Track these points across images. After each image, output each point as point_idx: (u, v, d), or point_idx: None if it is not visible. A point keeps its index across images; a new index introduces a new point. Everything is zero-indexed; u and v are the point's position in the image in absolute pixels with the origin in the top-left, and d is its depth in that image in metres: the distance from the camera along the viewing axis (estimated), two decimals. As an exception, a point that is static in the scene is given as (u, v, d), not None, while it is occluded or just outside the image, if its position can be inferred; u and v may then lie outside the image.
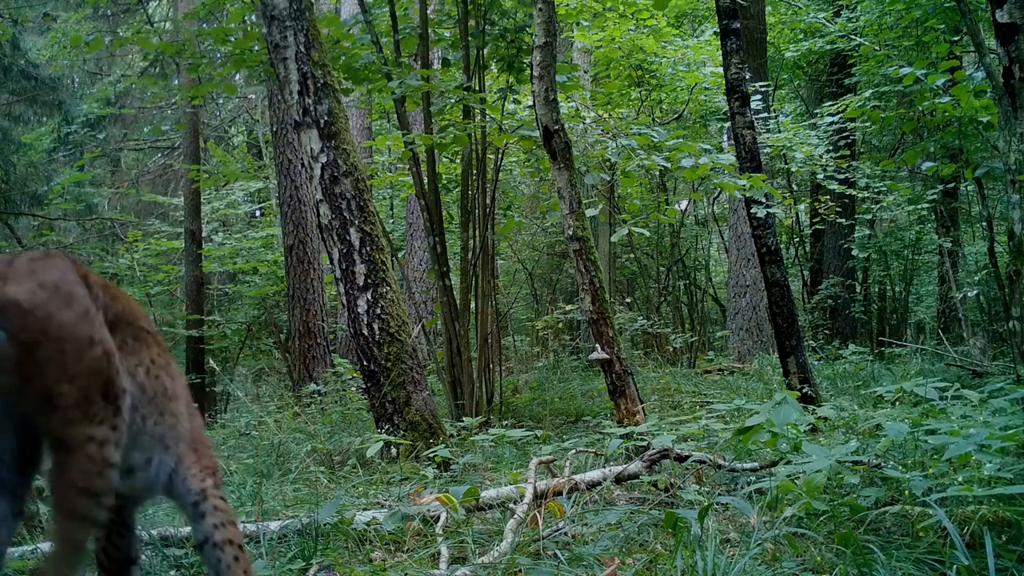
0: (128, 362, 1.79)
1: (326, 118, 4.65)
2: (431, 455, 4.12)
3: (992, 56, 4.22)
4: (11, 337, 1.52)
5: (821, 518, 2.75)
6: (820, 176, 10.43)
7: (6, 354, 1.52)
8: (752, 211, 5.78)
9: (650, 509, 3.13)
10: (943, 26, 8.99)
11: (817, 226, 12.45)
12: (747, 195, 5.67)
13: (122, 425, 1.65)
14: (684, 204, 14.48)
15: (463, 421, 5.36)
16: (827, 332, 11.47)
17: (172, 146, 16.47)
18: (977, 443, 2.65)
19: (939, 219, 10.26)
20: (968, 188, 10.26)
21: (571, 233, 4.77)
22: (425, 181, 6.47)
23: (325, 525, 2.98)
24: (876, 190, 10.67)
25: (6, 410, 1.61)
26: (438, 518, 3.13)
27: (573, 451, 3.99)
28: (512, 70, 6.73)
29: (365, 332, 4.65)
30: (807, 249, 14.29)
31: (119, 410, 1.65)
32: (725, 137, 13.34)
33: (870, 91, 9.08)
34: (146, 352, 1.86)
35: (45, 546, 2.97)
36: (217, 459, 2.00)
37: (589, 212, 5.88)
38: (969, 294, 8.47)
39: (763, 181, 5.58)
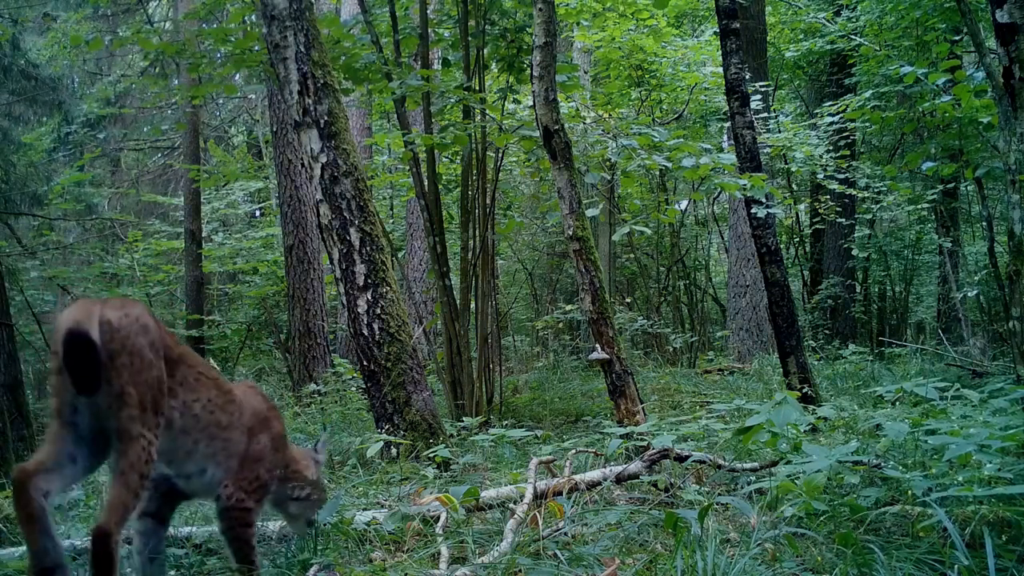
0: (186, 396, 2.38)
1: (326, 118, 4.65)
2: (431, 455, 4.12)
3: (992, 56, 4.22)
4: (103, 346, 2.10)
5: (821, 518, 2.74)
6: (820, 176, 10.43)
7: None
8: (752, 211, 5.78)
9: (650, 509, 3.13)
10: (944, 26, 8.98)
11: (817, 226, 12.45)
12: (747, 195, 5.67)
13: (158, 438, 2.23)
14: (684, 204, 14.48)
15: (463, 421, 5.36)
16: (827, 332, 11.46)
17: (172, 146, 16.47)
18: (977, 443, 2.65)
19: (939, 219, 10.25)
20: (968, 188, 10.27)
21: (571, 233, 4.76)
22: (425, 181, 6.47)
23: (325, 525, 2.98)
24: (876, 190, 10.66)
25: (93, 411, 2.18)
26: (438, 518, 3.13)
27: (573, 451, 3.98)
28: (512, 70, 6.73)
29: (365, 332, 4.65)
30: (807, 249, 14.28)
31: (159, 425, 2.23)
32: (725, 137, 13.34)
33: (870, 91, 9.08)
34: (204, 392, 2.44)
35: (45, 546, 2.97)
36: (263, 473, 2.61)
37: (589, 212, 5.88)
38: (969, 294, 8.47)
39: (763, 181, 5.57)
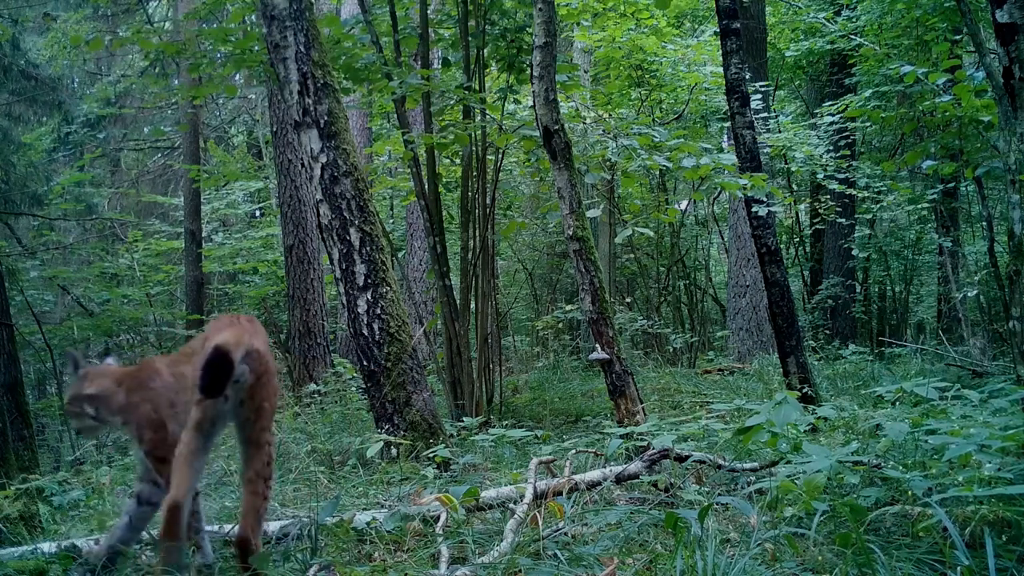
0: None
1: (326, 118, 4.65)
2: (431, 455, 4.12)
3: (992, 56, 4.22)
4: (252, 370, 2.56)
5: (821, 518, 2.74)
6: (820, 176, 10.42)
7: (248, 379, 2.55)
8: (753, 210, 5.77)
9: (650, 509, 3.13)
10: (944, 25, 8.98)
11: (817, 226, 12.44)
12: (748, 195, 5.67)
13: None
14: (684, 204, 14.47)
15: (463, 421, 5.36)
16: (827, 332, 11.46)
17: (172, 146, 16.47)
18: (977, 443, 2.65)
19: (939, 219, 10.25)
20: (968, 188, 10.26)
21: (571, 233, 4.76)
22: (425, 181, 6.47)
23: (325, 525, 2.98)
24: (876, 190, 10.66)
25: (235, 422, 2.64)
26: (438, 518, 3.13)
27: (573, 451, 3.98)
28: (512, 70, 6.73)
29: (365, 332, 4.65)
30: (807, 249, 14.28)
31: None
32: (725, 137, 13.34)
33: (870, 91, 9.07)
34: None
35: (45, 546, 2.97)
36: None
37: (590, 213, 5.88)
38: (969, 294, 8.46)
39: (764, 180, 5.57)
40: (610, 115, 8.01)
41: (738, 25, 5.87)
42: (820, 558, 2.46)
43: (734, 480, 3.60)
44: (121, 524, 2.80)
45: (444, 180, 8.55)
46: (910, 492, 2.74)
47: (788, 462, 3.21)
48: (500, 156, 7.22)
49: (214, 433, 2.62)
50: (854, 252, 11.93)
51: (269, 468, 2.59)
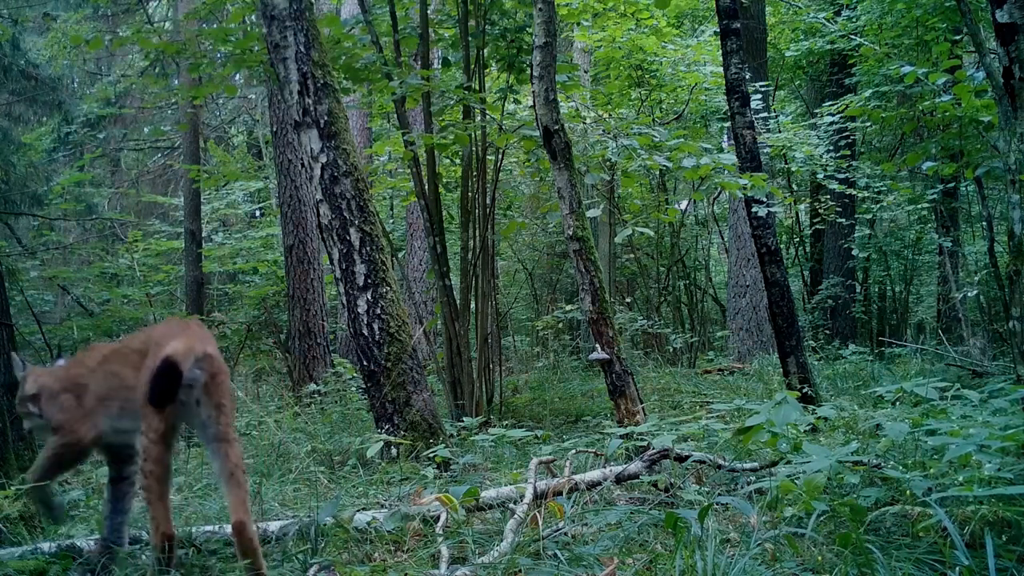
0: None
1: (326, 118, 4.65)
2: (431, 455, 4.12)
3: (992, 56, 4.21)
4: (206, 371, 2.66)
5: (821, 518, 2.74)
6: (820, 176, 10.42)
7: (203, 381, 2.65)
8: (753, 210, 5.77)
9: (650, 509, 3.13)
10: (944, 25, 8.98)
11: (817, 226, 12.44)
12: (748, 194, 5.67)
13: None
14: (684, 204, 14.47)
15: (463, 421, 5.36)
16: (827, 332, 11.45)
17: (172, 146, 16.47)
18: (977, 443, 2.65)
19: (939, 219, 10.25)
20: (968, 188, 10.26)
21: (571, 233, 4.76)
22: (425, 181, 6.47)
23: (325, 525, 2.98)
24: (876, 190, 10.66)
25: (196, 427, 2.75)
26: (438, 518, 3.13)
27: (573, 451, 3.98)
28: (512, 70, 6.73)
29: (365, 332, 4.65)
30: (807, 249, 14.28)
31: None
32: (725, 137, 13.34)
33: (870, 91, 9.07)
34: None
35: (45, 546, 2.97)
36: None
37: (590, 213, 5.87)
38: (969, 294, 8.46)
39: (764, 180, 5.57)
40: (610, 115, 8.01)
41: (738, 25, 5.87)
42: (820, 558, 2.46)
43: (734, 480, 3.60)
44: (104, 511, 2.94)
45: (444, 180, 8.55)
46: (910, 492, 2.74)
47: (788, 462, 3.22)
48: (500, 156, 7.22)
49: (173, 446, 2.77)
50: (854, 252, 11.93)
51: (242, 460, 2.71)
